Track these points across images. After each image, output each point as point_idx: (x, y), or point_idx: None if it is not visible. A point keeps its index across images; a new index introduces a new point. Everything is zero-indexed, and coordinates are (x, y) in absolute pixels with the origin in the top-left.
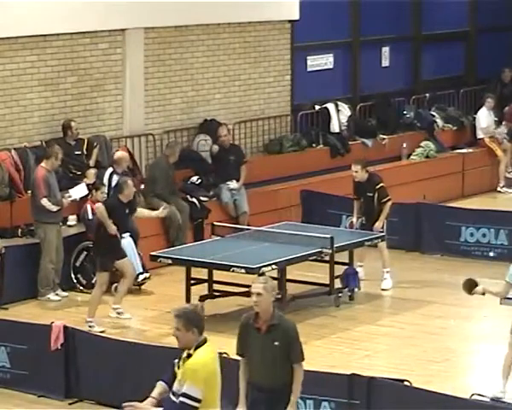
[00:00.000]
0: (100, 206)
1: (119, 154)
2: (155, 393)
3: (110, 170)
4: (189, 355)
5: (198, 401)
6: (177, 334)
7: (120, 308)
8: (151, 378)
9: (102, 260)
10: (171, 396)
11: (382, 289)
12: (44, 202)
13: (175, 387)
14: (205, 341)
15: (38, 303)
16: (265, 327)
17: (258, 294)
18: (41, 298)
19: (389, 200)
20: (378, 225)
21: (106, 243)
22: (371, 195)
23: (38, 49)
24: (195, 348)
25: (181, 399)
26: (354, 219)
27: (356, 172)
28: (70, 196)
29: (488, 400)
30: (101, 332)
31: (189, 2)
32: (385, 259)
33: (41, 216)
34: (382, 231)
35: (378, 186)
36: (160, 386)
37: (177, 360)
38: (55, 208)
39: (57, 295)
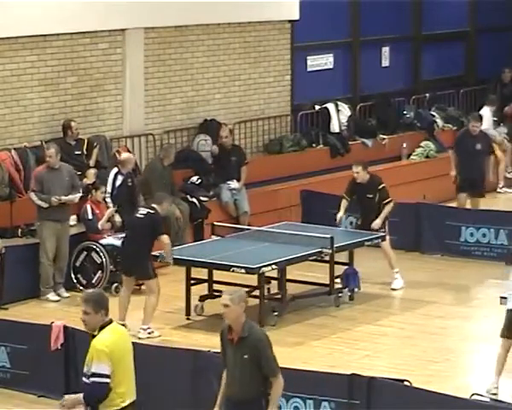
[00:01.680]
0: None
1: (126, 155)
2: None
3: (115, 170)
4: (94, 336)
5: (107, 376)
6: (85, 318)
7: (150, 328)
8: (151, 378)
9: (151, 266)
10: (83, 379)
11: (392, 289)
12: (32, 195)
13: (85, 369)
14: (110, 321)
15: (38, 303)
16: (236, 339)
17: (226, 305)
18: (42, 297)
19: (391, 201)
20: (377, 222)
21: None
22: (372, 196)
23: (38, 49)
24: (100, 329)
25: (91, 379)
26: (340, 215)
27: (357, 173)
28: (60, 199)
29: (488, 400)
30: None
31: (189, 2)
32: (391, 258)
33: (40, 214)
34: (383, 230)
35: (380, 187)
36: None
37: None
38: (43, 204)
39: (58, 295)
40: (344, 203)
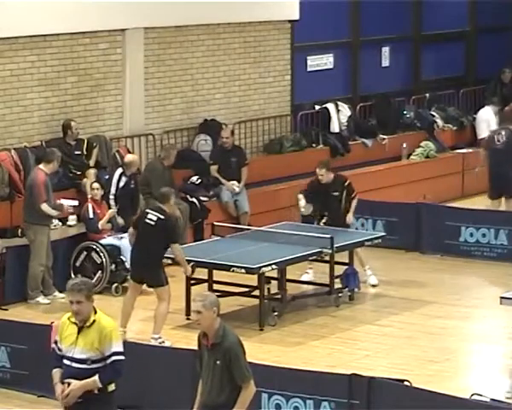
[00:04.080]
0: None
1: (131, 157)
2: (59, 378)
3: (120, 171)
4: (94, 321)
5: (124, 353)
6: (79, 308)
7: (161, 337)
8: (151, 378)
9: (163, 273)
10: (74, 364)
11: (373, 285)
12: (44, 206)
13: (77, 355)
14: (96, 309)
15: (38, 303)
16: (210, 344)
17: (198, 312)
18: (30, 301)
19: (356, 194)
20: (350, 216)
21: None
22: (337, 194)
23: (38, 49)
24: (95, 313)
25: (114, 358)
26: (303, 202)
27: (321, 175)
28: (67, 205)
29: (488, 400)
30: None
31: (189, 2)
32: (362, 257)
33: (33, 218)
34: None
35: (347, 183)
36: (58, 372)
37: (58, 340)
38: (55, 213)
39: (54, 296)
40: (303, 197)
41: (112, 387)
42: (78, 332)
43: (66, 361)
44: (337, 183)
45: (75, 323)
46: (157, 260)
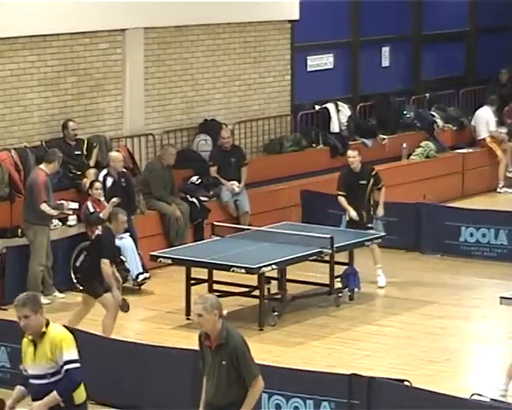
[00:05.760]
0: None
1: (111, 154)
2: (14, 395)
3: (104, 172)
4: (44, 333)
5: (79, 361)
6: (26, 322)
7: None
8: (151, 378)
9: (99, 285)
10: (35, 381)
11: (380, 287)
12: (44, 206)
13: (36, 371)
14: (48, 320)
15: None
16: (214, 346)
17: (199, 315)
18: None
19: (384, 185)
20: (380, 210)
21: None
22: (364, 183)
23: (38, 49)
24: (46, 326)
25: (67, 367)
26: (353, 213)
27: (354, 157)
28: (67, 205)
29: (488, 400)
30: None
31: (189, 2)
32: (377, 255)
33: (33, 218)
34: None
35: (374, 173)
36: (17, 389)
37: (22, 360)
38: (55, 213)
39: (55, 296)
40: (344, 200)
41: (80, 399)
42: (35, 349)
43: (30, 380)
44: (364, 171)
45: (32, 340)
46: (92, 273)
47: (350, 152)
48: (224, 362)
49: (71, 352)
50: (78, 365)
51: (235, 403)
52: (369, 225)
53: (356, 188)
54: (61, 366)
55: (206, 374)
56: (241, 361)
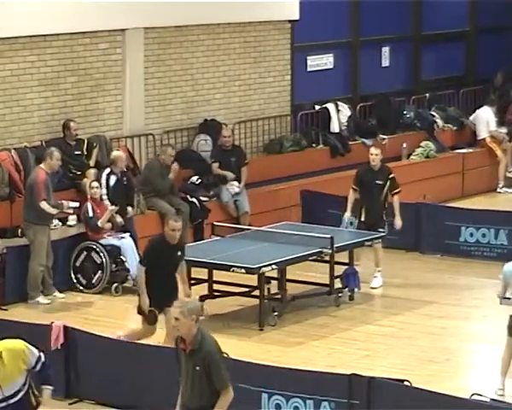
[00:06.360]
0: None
1: (115, 153)
2: None
3: (107, 170)
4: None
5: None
6: None
7: None
8: (151, 378)
9: None
10: (11, 400)
11: (372, 288)
12: (44, 204)
13: (8, 391)
14: None
15: (38, 303)
16: (189, 350)
17: (176, 318)
18: (30, 301)
19: (400, 191)
20: (399, 222)
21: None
22: (381, 183)
23: (38, 49)
24: None
25: (42, 361)
26: (347, 214)
27: (376, 155)
28: (67, 204)
29: (488, 400)
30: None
31: (189, 2)
32: (379, 258)
33: (33, 218)
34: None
35: (391, 176)
36: None
37: None
38: (54, 211)
39: (55, 296)
40: (351, 198)
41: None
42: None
43: (2, 404)
44: (382, 172)
45: None
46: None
47: (373, 149)
48: (197, 367)
49: (34, 351)
50: (42, 354)
51: (208, 407)
52: (381, 230)
53: (372, 186)
54: (35, 365)
55: (181, 377)
56: (212, 369)
